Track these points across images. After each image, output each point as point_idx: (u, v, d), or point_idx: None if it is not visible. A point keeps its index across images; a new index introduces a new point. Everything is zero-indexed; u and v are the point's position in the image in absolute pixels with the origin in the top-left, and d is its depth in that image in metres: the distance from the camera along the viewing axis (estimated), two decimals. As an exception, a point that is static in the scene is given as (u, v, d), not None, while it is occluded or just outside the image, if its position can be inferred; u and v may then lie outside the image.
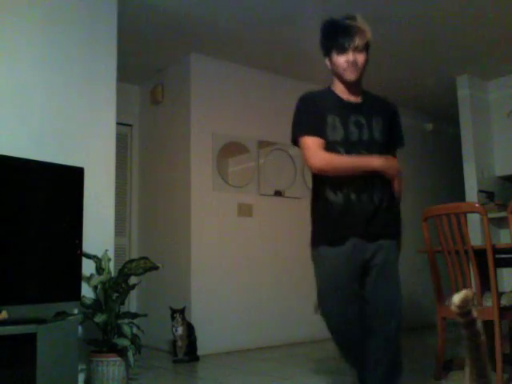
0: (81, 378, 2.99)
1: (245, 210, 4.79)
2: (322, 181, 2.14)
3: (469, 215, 3.39)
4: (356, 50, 2.06)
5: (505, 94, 5.42)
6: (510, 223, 2.82)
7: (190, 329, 4.09)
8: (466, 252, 2.96)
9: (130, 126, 5.27)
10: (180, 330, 4.00)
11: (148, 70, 5.01)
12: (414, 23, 4.19)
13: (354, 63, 2.06)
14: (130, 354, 2.87)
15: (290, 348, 4.60)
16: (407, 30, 4.31)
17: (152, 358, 4.17)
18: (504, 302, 2.95)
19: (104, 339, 2.96)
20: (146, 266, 3.09)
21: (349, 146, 2.08)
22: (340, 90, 2.17)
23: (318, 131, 2.10)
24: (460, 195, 5.32)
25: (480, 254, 2.94)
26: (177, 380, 3.63)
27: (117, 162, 3.51)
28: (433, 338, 3.42)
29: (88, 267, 3.01)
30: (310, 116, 2.14)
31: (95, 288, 3.10)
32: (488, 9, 3.97)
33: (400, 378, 2.15)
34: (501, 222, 5.00)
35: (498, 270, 3.57)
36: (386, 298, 2.14)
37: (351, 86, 2.15)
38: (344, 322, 2.13)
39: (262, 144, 4.94)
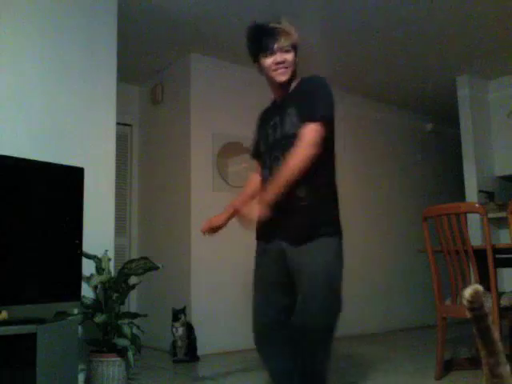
0: (81, 377, 2.99)
1: (245, 210, 4.78)
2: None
3: (469, 215, 3.39)
4: (282, 50, 2.05)
5: (505, 94, 5.42)
6: (510, 223, 2.83)
7: (189, 329, 4.09)
8: (466, 252, 2.96)
9: (129, 125, 5.27)
10: (180, 330, 4.00)
11: (148, 70, 5.01)
12: (414, 23, 4.19)
13: (282, 63, 2.05)
14: (130, 354, 2.87)
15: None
16: (407, 30, 4.31)
17: (152, 358, 4.18)
18: (504, 302, 2.95)
19: (104, 339, 2.96)
20: (146, 266, 3.09)
21: (268, 150, 2.13)
22: (274, 94, 2.18)
23: (255, 154, 2.32)
24: (460, 195, 5.33)
25: (480, 253, 2.94)
26: (177, 380, 3.63)
27: (117, 162, 3.51)
28: (433, 337, 3.42)
29: (88, 267, 3.01)
30: (254, 139, 2.34)
31: (95, 288, 3.10)
32: (488, 9, 3.98)
33: None
34: (501, 222, 5.00)
35: (498, 270, 3.57)
36: (301, 309, 1.99)
37: (283, 88, 2.12)
38: (259, 321, 2.19)
39: (261, 144, 4.94)
